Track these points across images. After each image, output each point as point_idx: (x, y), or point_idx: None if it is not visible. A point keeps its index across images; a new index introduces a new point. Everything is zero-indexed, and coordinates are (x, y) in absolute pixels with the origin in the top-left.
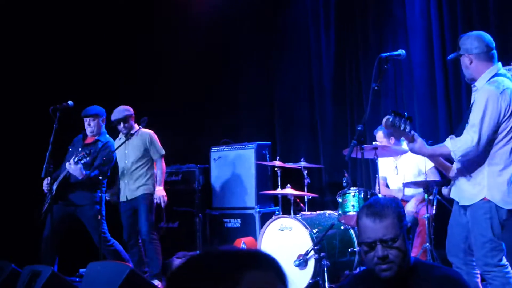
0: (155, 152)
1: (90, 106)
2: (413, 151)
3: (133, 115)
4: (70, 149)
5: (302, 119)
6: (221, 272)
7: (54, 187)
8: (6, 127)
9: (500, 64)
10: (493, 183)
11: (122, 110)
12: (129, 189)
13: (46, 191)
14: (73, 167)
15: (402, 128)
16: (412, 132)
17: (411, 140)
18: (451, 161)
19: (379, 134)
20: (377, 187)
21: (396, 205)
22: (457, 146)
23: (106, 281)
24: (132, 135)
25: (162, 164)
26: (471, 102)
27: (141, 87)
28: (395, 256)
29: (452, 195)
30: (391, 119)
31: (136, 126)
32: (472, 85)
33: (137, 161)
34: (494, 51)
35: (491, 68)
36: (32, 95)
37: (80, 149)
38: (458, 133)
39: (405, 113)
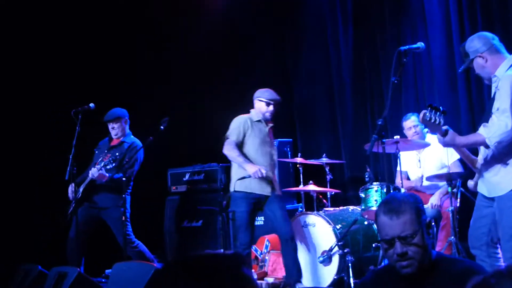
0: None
1: (111, 110)
2: (446, 144)
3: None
4: (96, 152)
5: (322, 115)
6: (223, 268)
7: (81, 189)
8: (28, 130)
9: None
10: None
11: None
12: None
13: (71, 197)
14: (95, 174)
15: (437, 123)
16: (446, 126)
17: (443, 135)
18: (476, 153)
19: (408, 123)
20: (398, 180)
21: (414, 200)
22: (491, 132)
23: (132, 281)
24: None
25: None
26: (493, 92)
27: (160, 85)
28: (415, 252)
29: (479, 189)
30: (427, 113)
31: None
32: (493, 77)
33: None
34: (498, 41)
35: (509, 58)
36: (54, 98)
37: (106, 151)
38: (483, 124)
39: (440, 107)
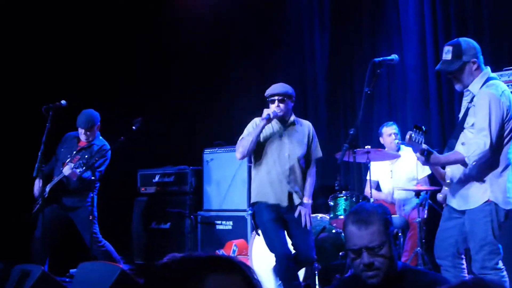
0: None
1: (85, 115)
2: (426, 163)
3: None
4: (62, 149)
5: None
6: (186, 273)
7: (47, 189)
8: None
9: (489, 68)
10: (496, 184)
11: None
12: None
13: (37, 194)
14: (68, 171)
15: (419, 142)
16: (425, 146)
17: (422, 153)
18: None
19: (388, 130)
20: (367, 190)
21: (382, 211)
22: (470, 151)
23: (97, 282)
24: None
25: None
26: (465, 106)
27: (136, 86)
28: (381, 263)
29: (448, 202)
30: (413, 135)
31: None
32: (465, 91)
33: None
34: None
35: (483, 72)
36: (24, 94)
37: (74, 152)
38: (454, 138)
39: (423, 127)
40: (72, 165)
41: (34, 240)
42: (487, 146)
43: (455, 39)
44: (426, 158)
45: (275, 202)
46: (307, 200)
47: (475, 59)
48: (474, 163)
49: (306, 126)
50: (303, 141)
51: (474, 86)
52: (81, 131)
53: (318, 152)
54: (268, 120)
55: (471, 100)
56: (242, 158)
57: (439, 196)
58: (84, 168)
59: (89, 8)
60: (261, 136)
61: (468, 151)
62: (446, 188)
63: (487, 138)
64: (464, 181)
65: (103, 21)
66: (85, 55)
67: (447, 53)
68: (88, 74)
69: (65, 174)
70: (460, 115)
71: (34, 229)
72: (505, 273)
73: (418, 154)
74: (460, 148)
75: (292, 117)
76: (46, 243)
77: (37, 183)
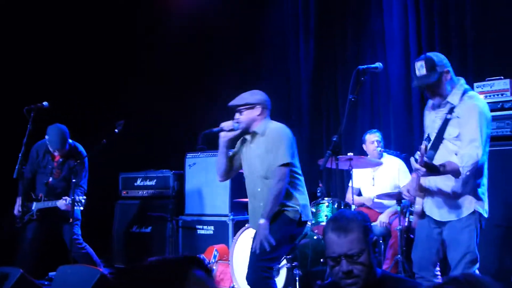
0: None
1: (55, 135)
2: (427, 175)
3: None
4: (35, 157)
5: None
6: (168, 273)
7: (34, 209)
8: None
9: (463, 79)
10: (479, 194)
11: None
12: None
13: (17, 213)
14: (63, 207)
15: (423, 155)
16: (426, 158)
17: (426, 165)
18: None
19: (371, 137)
20: (349, 197)
21: (362, 218)
22: (464, 161)
23: (76, 285)
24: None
25: None
26: (443, 118)
27: (117, 89)
28: (360, 270)
29: (428, 213)
30: (428, 145)
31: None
32: (443, 101)
33: None
34: None
35: (460, 84)
36: (4, 95)
37: (51, 168)
38: (432, 149)
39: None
40: (68, 199)
41: (25, 240)
42: (479, 157)
43: (422, 55)
44: (429, 169)
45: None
46: (262, 221)
47: (448, 69)
48: (467, 173)
49: (269, 132)
50: (264, 152)
51: (454, 98)
52: (52, 149)
53: (278, 160)
54: (227, 133)
55: (450, 111)
56: (221, 180)
57: (417, 208)
58: (81, 202)
59: (69, 9)
60: (237, 150)
61: (462, 161)
62: (418, 200)
63: (479, 149)
64: (449, 192)
65: (83, 22)
66: (66, 57)
67: (420, 68)
68: (69, 76)
69: (61, 208)
70: (436, 126)
71: (20, 236)
72: None
73: (419, 165)
74: (454, 158)
75: (257, 127)
76: (34, 247)
77: (18, 202)
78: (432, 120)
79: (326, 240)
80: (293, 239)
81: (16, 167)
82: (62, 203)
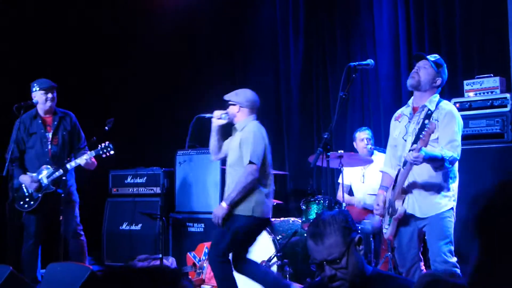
0: None
1: (42, 79)
2: (423, 161)
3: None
4: (25, 131)
5: (268, 125)
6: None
7: (40, 194)
8: None
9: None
10: (455, 191)
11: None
12: None
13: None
14: (89, 160)
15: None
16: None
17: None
18: None
19: (361, 134)
20: (339, 194)
21: (341, 219)
22: (448, 155)
23: (66, 283)
24: None
25: None
26: (421, 122)
27: (107, 85)
28: (344, 273)
29: (410, 210)
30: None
31: None
32: (421, 105)
33: None
34: None
35: (437, 94)
36: None
37: (45, 133)
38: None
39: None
40: (90, 152)
41: (29, 246)
42: (459, 157)
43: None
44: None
45: None
46: (223, 203)
47: (442, 80)
48: (449, 166)
49: (245, 130)
50: (238, 146)
51: (431, 104)
52: (48, 96)
53: (246, 158)
54: (217, 120)
55: (428, 116)
56: (213, 159)
57: (401, 209)
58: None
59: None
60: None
61: (446, 154)
62: (398, 203)
63: (459, 148)
64: (430, 189)
65: (68, 18)
66: (52, 54)
67: (432, 55)
68: (56, 73)
69: (82, 165)
70: (410, 130)
71: (22, 230)
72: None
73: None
74: (440, 148)
75: (238, 124)
76: (37, 243)
77: (27, 177)
78: (403, 126)
79: (308, 246)
80: (247, 235)
81: (6, 164)
82: (84, 158)
